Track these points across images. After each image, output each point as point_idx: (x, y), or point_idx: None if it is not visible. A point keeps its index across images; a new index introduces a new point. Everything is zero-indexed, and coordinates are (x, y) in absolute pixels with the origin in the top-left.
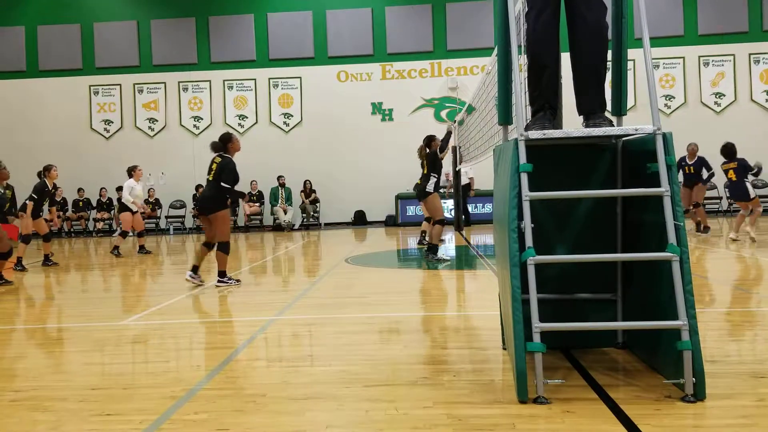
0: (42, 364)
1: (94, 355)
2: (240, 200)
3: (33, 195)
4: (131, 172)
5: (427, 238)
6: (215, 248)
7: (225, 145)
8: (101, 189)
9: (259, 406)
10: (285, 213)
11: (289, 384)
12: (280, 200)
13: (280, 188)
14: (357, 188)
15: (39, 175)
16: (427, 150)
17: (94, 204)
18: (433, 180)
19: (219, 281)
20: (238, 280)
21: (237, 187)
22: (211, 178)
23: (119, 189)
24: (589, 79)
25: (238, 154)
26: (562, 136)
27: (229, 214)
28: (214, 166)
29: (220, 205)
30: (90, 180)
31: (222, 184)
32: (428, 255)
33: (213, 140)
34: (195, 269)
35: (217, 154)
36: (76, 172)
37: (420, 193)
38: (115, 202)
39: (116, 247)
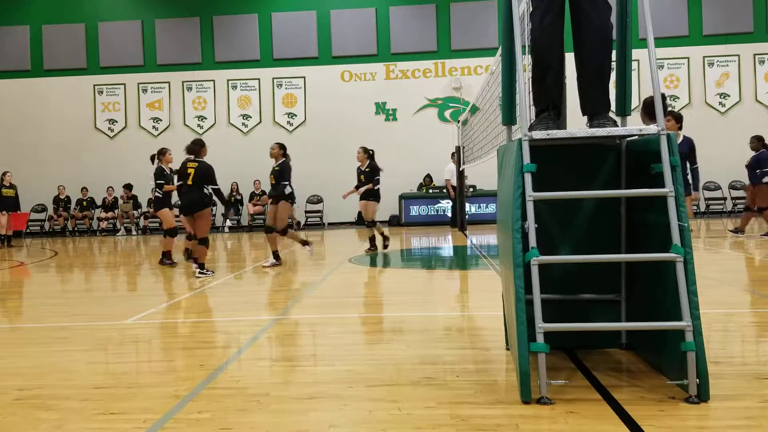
0: (45, 363)
1: (97, 354)
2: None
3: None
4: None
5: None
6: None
7: (199, 149)
8: (108, 188)
9: (262, 406)
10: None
11: (292, 383)
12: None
13: None
14: None
15: (152, 159)
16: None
17: (98, 203)
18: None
19: (200, 272)
20: (212, 271)
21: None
22: (191, 183)
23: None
24: (594, 80)
25: (243, 153)
26: (566, 137)
27: (210, 213)
28: (191, 171)
29: (206, 205)
30: (94, 179)
31: (212, 188)
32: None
33: (188, 144)
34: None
35: (190, 158)
36: (79, 171)
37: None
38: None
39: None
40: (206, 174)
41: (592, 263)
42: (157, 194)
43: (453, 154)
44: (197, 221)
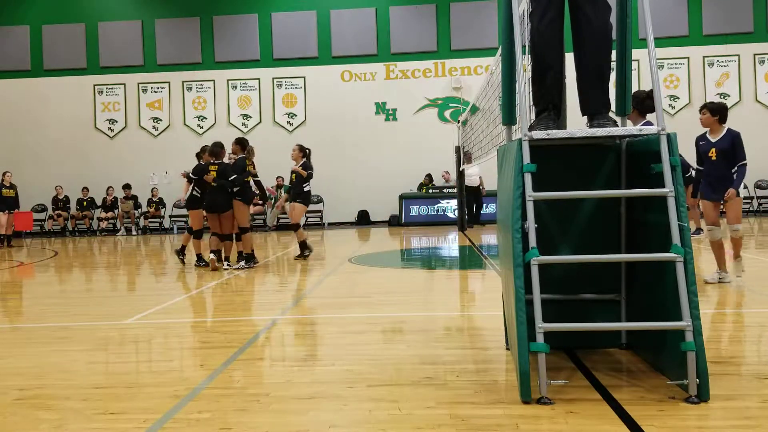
0: (45, 363)
1: (97, 354)
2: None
3: (191, 175)
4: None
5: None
6: (236, 236)
7: (219, 151)
8: (108, 188)
9: (262, 406)
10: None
11: (292, 383)
12: (279, 201)
13: (277, 189)
14: (360, 188)
15: (197, 156)
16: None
17: (98, 203)
18: None
19: (245, 264)
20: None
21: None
22: (215, 184)
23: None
24: (593, 80)
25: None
26: (566, 137)
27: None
28: (214, 173)
29: (231, 206)
30: (94, 179)
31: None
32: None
33: (211, 147)
34: (221, 257)
35: (211, 161)
36: (80, 171)
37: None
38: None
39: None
40: (225, 170)
41: (592, 263)
42: (194, 193)
43: (467, 155)
44: (223, 220)
